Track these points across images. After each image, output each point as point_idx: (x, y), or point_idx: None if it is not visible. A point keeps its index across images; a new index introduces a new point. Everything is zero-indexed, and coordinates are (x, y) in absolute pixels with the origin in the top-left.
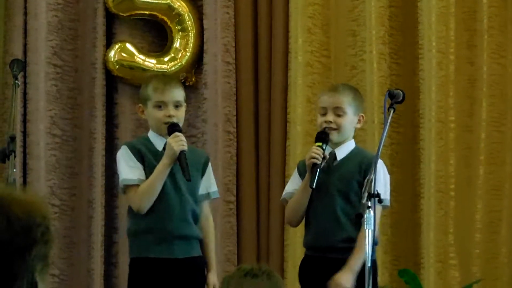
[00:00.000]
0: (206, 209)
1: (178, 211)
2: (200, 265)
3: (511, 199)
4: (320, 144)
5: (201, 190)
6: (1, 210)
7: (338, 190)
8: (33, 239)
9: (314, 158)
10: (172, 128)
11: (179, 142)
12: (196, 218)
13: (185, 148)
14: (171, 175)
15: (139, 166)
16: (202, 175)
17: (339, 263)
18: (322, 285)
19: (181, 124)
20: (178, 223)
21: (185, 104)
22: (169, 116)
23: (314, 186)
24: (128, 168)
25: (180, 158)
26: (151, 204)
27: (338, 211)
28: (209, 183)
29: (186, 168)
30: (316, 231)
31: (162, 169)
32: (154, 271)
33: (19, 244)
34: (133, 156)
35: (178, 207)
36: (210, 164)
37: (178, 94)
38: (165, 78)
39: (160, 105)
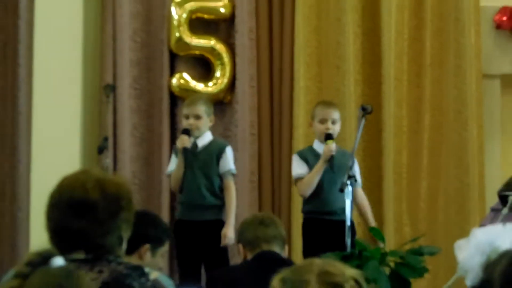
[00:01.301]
0: (226, 183)
1: (194, 189)
2: (214, 225)
3: (445, 180)
4: (332, 141)
5: (220, 170)
6: (99, 186)
7: (338, 173)
8: (121, 207)
9: (332, 151)
10: (182, 131)
11: (180, 142)
12: (211, 192)
13: (186, 145)
14: (189, 165)
15: (174, 158)
16: (218, 160)
17: (339, 224)
18: (319, 238)
19: (198, 131)
20: (193, 197)
21: (208, 117)
22: (190, 124)
23: (334, 170)
24: (171, 161)
25: (190, 150)
26: (178, 183)
27: (336, 186)
28: (224, 165)
29: (194, 158)
30: (323, 200)
31: (180, 158)
32: (184, 228)
33: (111, 210)
34: (173, 154)
35: (192, 186)
36: (226, 152)
37: (198, 109)
38: (191, 98)
39: (186, 116)
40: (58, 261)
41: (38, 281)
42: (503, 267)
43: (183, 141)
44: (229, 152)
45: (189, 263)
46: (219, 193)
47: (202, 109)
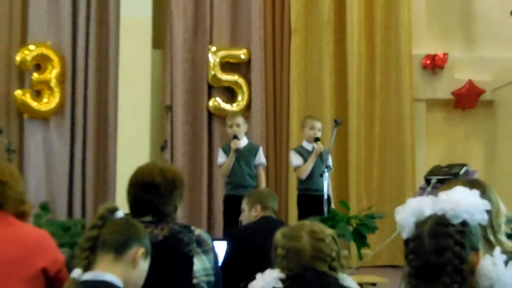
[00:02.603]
0: (259, 171)
1: (238, 173)
2: None
3: (389, 169)
4: (320, 141)
5: (256, 162)
6: (161, 173)
7: (321, 163)
8: (176, 186)
9: (321, 149)
10: (233, 137)
11: (234, 144)
12: (251, 176)
13: (238, 146)
14: (236, 159)
15: (224, 156)
16: (255, 155)
17: (319, 198)
18: (312, 208)
19: (240, 135)
20: (239, 180)
21: (244, 125)
22: (234, 131)
23: (322, 161)
24: (220, 156)
25: (237, 150)
26: (228, 171)
27: (319, 172)
28: (259, 159)
29: (243, 152)
30: (313, 181)
31: (230, 155)
32: (231, 201)
33: (169, 188)
34: (222, 151)
35: (238, 172)
36: (260, 150)
37: (238, 120)
38: (232, 113)
39: (230, 126)
40: (120, 213)
41: (110, 228)
42: (429, 226)
43: (236, 144)
44: (261, 150)
45: (233, 222)
46: (254, 178)
47: (240, 119)
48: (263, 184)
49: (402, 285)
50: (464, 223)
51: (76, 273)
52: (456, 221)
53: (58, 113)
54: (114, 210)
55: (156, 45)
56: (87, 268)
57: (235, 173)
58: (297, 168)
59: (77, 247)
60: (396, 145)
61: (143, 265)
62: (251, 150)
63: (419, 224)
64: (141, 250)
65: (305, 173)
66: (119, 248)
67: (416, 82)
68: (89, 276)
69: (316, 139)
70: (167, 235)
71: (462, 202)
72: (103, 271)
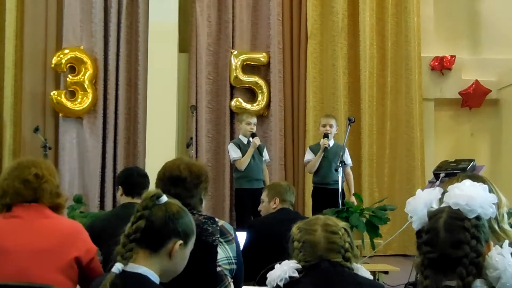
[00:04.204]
0: (264, 167)
1: (255, 168)
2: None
3: (399, 164)
4: (326, 138)
5: (263, 158)
6: (187, 167)
7: (332, 158)
8: (201, 180)
9: (326, 144)
10: (253, 134)
11: (256, 141)
12: (261, 171)
13: (259, 143)
14: (253, 154)
15: (238, 151)
16: (262, 152)
17: (333, 191)
18: (323, 200)
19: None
20: (255, 174)
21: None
22: (252, 129)
23: (325, 156)
24: (234, 152)
25: (258, 147)
26: (245, 166)
27: (332, 167)
28: (265, 155)
29: (259, 149)
30: (322, 175)
31: (250, 151)
32: (246, 194)
33: (195, 182)
34: (235, 147)
35: (255, 167)
36: (265, 148)
37: (255, 119)
38: (251, 112)
39: (248, 123)
40: (164, 198)
41: (153, 220)
42: (445, 219)
43: (258, 141)
44: (265, 149)
45: (247, 214)
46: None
47: (255, 120)
48: (267, 178)
49: (413, 273)
50: (478, 217)
51: (117, 267)
52: (471, 216)
53: (91, 112)
54: (158, 196)
55: (182, 49)
56: (128, 258)
57: (251, 168)
58: (306, 163)
59: (123, 236)
60: (406, 141)
61: (184, 253)
62: (261, 148)
63: (433, 217)
64: (179, 243)
65: (311, 168)
66: (156, 245)
67: (425, 83)
68: (126, 267)
69: (325, 135)
70: None
71: (476, 197)
72: (140, 263)
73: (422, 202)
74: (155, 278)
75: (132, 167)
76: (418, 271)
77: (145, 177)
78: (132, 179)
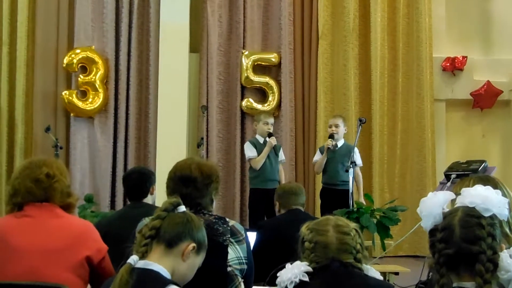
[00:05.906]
0: (280, 167)
1: (269, 168)
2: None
3: (410, 164)
4: (331, 139)
5: (279, 158)
6: (198, 167)
7: (340, 159)
8: (211, 180)
9: (329, 144)
10: (270, 134)
11: (273, 141)
12: (277, 171)
13: (275, 143)
14: (268, 155)
15: (254, 150)
16: (278, 152)
17: (340, 191)
18: (330, 200)
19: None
20: (270, 174)
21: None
22: (269, 129)
23: (328, 156)
24: (250, 150)
25: (274, 147)
26: (261, 165)
27: (339, 167)
28: (280, 155)
29: (275, 149)
30: (329, 176)
31: (266, 150)
32: (260, 194)
33: (205, 182)
34: (251, 146)
35: (270, 167)
36: (281, 148)
37: (272, 120)
38: (269, 112)
39: (266, 123)
40: (182, 208)
41: (168, 221)
42: (460, 216)
43: (274, 141)
44: (281, 149)
45: (260, 214)
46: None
47: (273, 119)
48: (283, 177)
49: (424, 273)
50: (491, 217)
51: (133, 259)
52: (486, 214)
53: (102, 112)
54: (177, 204)
55: (193, 49)
56: (143, 255)
57: (266, 168)
58: (314, 164)
59: (138, 234)
60: (417, 142)
61: (194, 260)
62: (276, 149)
63: (448, 215)
64: (192, 245)
65: (318, 168)
66: (171, 241)
67: (436, 83)
68: (140, 263)
69: (330, 136)
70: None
71: (492, 198)
72: (153, 261)
73: (437, 202)
74: (167, 275)
75: (131, 170)
76: (432, 270)
77: (143, 175)
78: (128, 183)
